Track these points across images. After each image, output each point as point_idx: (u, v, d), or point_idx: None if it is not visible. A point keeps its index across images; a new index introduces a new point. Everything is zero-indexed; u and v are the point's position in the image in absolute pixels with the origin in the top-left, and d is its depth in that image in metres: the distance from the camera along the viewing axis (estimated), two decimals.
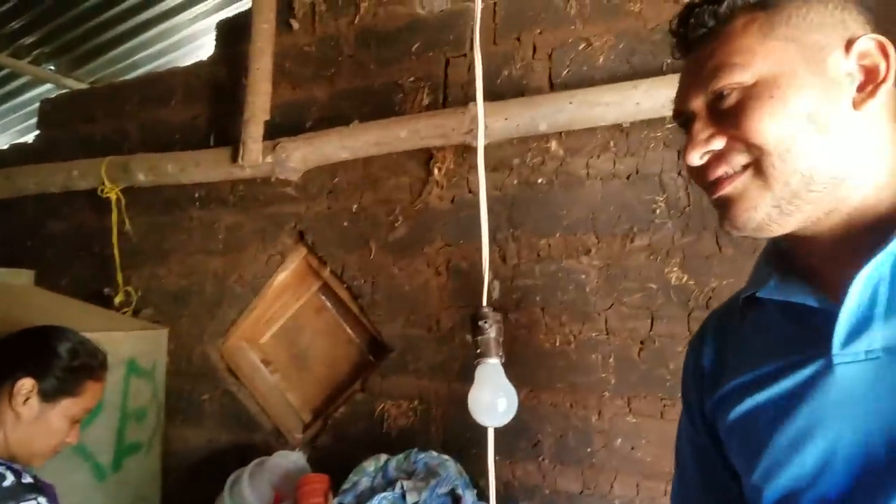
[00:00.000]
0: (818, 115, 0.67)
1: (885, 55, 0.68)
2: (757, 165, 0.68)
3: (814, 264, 0.73)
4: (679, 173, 1.87)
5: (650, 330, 1.86)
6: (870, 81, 0.68)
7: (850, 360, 0.64)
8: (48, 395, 1.40)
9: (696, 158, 0.72)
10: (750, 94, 0.69)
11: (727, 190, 0.71)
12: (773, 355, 0.73)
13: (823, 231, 0.70)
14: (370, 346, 2.41)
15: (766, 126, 0.67)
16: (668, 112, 1.80)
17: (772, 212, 0.69)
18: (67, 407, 1.42)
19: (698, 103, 0.73)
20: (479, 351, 1.55)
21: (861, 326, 0.64)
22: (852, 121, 0.67)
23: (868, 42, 0.68)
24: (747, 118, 0.68)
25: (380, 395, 2.23)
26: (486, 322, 1.54)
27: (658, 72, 1.89)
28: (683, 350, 1.80)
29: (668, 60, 1.90)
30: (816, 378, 0.67)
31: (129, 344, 2.29)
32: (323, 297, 2.53)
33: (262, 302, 2.54)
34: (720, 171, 0.71)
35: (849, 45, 0.68)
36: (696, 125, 0.73)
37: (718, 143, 0.71)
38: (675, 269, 1.85)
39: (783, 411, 0.69)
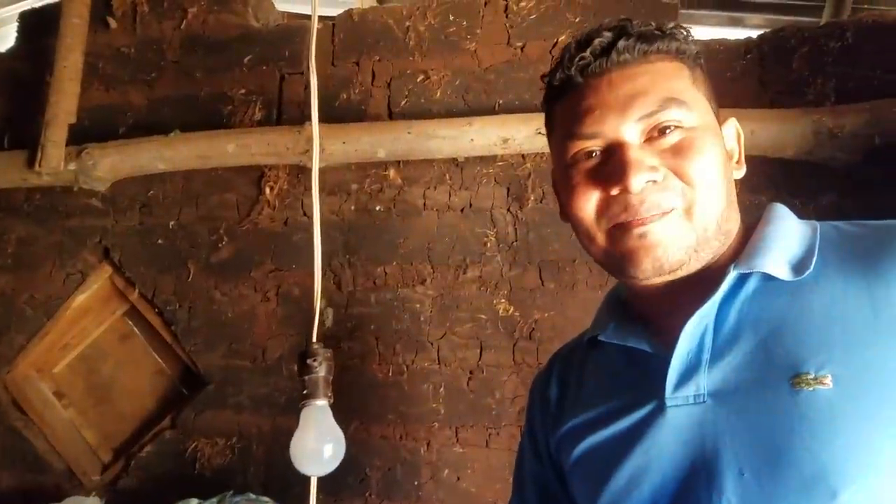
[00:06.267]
0: (725, 172, 0.72)
1: (738, 137, 0.79)
2: (688, 208, 0.69)
3: (650, 312, 0.78)
4: (508, 209, 1.95)
5: (479, 360, 1.90)
6: (736, 154, 0.78)
7: (681, 404, 0.69)
8: None
9: (639, 182, 0.67)
10: (693, 137, 0.70)
11: (656, 226, 0.68)
12: (612, 396, 0.77)
13: (660, 283, 0.73)
14: (184, 377, 2.22)
15: (707, 170, 0.69)
16: (500, 150, 1.89)
17: (692, 254, 0.69)
18: None
19: (631, 131, 0.70)
20: (305, 392, 1.45)
21: (690, 372, 0.69)
22: (732, 184, 0.74)
23: (734, 123, 0.78)
24: (692, 158, 0.69)
25: (193, 431, 2.05)
26: (315, 360, 1.44)
27: (490, 111, 1.96)
28: (508, 379, 1.87)
29: (500, 101, 1.98)
30: (650, 419, 0.71)
31: None
32: (130, 323, 2.30)
33: (57, 326, 2.25)
34: (656, 206, 0.68)
35: (721, 123, 0.77)
36: (632, 152, 0.68)
37: (659, 175, 0.68)
38: (503, 300, 1.91)
39: (621, 449, 0.72)
